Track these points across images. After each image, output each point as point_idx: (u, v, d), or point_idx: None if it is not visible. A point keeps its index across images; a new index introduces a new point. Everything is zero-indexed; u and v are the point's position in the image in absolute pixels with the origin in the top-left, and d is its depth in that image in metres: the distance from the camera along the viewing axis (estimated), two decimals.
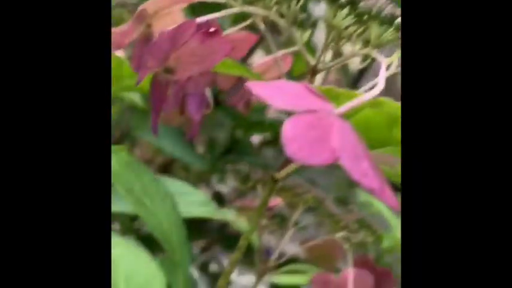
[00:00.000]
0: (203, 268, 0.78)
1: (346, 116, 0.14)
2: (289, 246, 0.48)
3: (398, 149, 0.15)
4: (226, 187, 0.75)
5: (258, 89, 0.12)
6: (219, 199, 0.74)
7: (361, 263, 0.38)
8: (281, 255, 0.41)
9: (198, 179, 0.73)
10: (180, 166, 0.71)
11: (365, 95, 0.13)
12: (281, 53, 0.26)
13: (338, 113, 0.13)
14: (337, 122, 0.12)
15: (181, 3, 0.21)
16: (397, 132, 0.14)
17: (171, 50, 0.17)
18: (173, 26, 0.21)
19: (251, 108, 0.29)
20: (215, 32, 0.17)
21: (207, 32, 0.17)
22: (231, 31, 0.25)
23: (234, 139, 0.68)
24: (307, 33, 0.21)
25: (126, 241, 0.34)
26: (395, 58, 0.16)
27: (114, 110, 0.49)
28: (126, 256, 0.32)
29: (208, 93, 0.30)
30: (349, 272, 0.33)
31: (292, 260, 0.44)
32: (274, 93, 0.12)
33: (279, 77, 0.26)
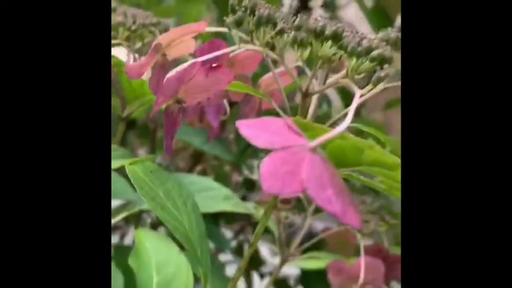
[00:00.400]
0: (238, 251, 0.82)
1: (324, 144, 0.16)
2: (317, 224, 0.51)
3: (369, 168, 0.17)
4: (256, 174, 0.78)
5: (244, 128, 0.15)
6: (250, 185, 0.78)
7: (375, 251, 0.40)
8: (303, 241, 0.45)
9: (229, 166, 0.77)
10: (212, 155, 0.74)
11: (334, 130, 0.15)
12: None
13: (310, 147, 0.15)
14: (308, 156, 0.15)
15: (190, 34, 0.23)
16: (366, 155, 0.16)
17: (179, 86, 0.20)
18: (185, 53, 0.24)
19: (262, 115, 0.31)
20: (217, 66, 0.20)
21: (210, 68, 0.20)
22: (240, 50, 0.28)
23: None
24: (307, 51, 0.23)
25: (157, 234, 0.37)
26: (367, 90, 0.18)
27: (143, 109, 0.53)
28: (157, 248, 0.35)
29: (224, 102, 0.33)
30: (362, 261, 0.36)
31: (318, 243, 0.47)
32: (257, 132, 0.15)
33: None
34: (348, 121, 0.15)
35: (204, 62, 0.20)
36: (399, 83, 0.22)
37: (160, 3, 0.72)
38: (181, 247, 0.35)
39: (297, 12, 0.22)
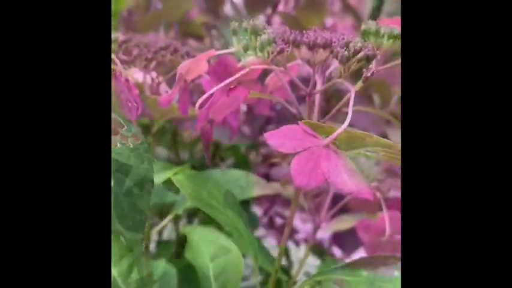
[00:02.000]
0: (269, 225, 0.87)
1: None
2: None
3: (374, 148, 0.22)
4: None
5: (271, 138, 0.20)
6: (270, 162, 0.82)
7: (396, 204, 0.45)
8: (330, 207, 0.49)
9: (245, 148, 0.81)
10: None
11: (339, 128, 0.20)
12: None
13: (324, 144, 0.20)
14: (324, 152, 0.19)
15: (204, 59, 0.28)
16: (368, 141, 0.21)
17: (210, 112, 0.24)
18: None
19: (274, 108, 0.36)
20: (235, 87, 0.24)
21: (230, 89, 0.24)
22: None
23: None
24: None
25: (204, 227, 0.42)
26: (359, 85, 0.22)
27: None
28: (206, 240, 0.40)
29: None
30: (385, 215, 0.41)
31: (344, 207, 0.51)
32: (281, 140, 0.20)
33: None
34: (348, 120, 0.20)
35: (219, 81, 0.24)
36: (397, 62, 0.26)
37: (147, 9, 0.74)
38: (226, 234, 0.40)
39: None
